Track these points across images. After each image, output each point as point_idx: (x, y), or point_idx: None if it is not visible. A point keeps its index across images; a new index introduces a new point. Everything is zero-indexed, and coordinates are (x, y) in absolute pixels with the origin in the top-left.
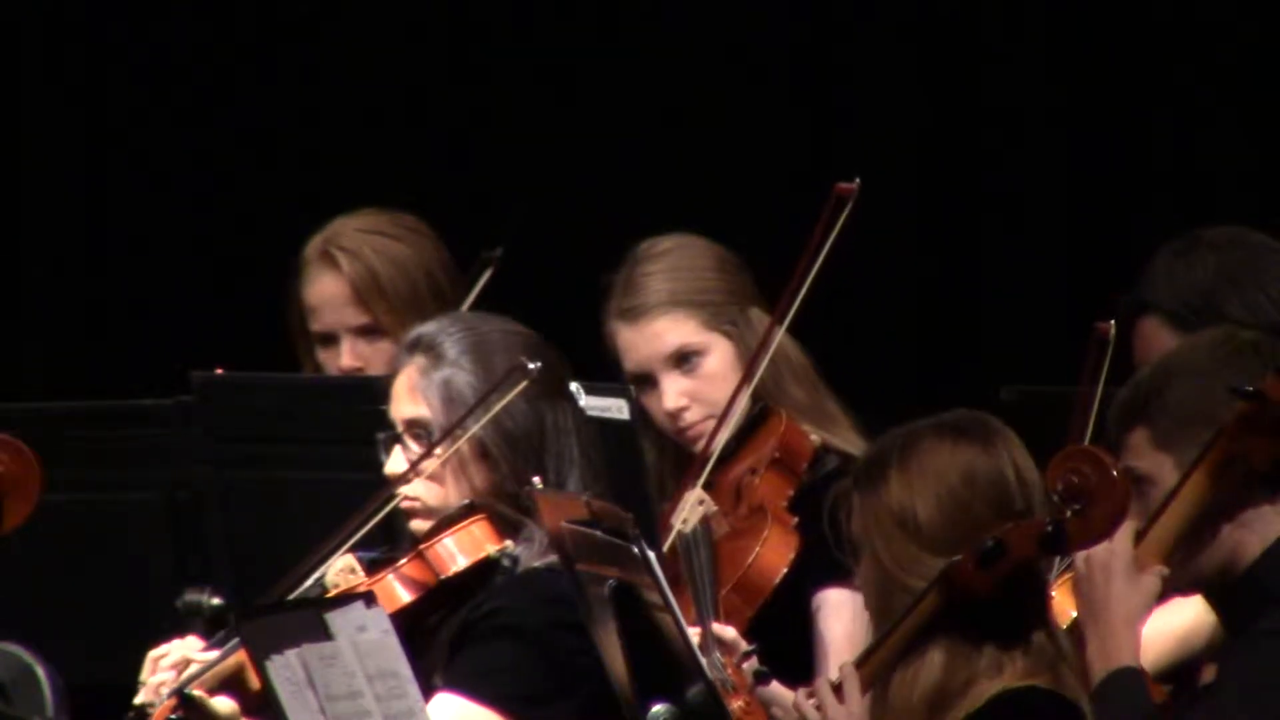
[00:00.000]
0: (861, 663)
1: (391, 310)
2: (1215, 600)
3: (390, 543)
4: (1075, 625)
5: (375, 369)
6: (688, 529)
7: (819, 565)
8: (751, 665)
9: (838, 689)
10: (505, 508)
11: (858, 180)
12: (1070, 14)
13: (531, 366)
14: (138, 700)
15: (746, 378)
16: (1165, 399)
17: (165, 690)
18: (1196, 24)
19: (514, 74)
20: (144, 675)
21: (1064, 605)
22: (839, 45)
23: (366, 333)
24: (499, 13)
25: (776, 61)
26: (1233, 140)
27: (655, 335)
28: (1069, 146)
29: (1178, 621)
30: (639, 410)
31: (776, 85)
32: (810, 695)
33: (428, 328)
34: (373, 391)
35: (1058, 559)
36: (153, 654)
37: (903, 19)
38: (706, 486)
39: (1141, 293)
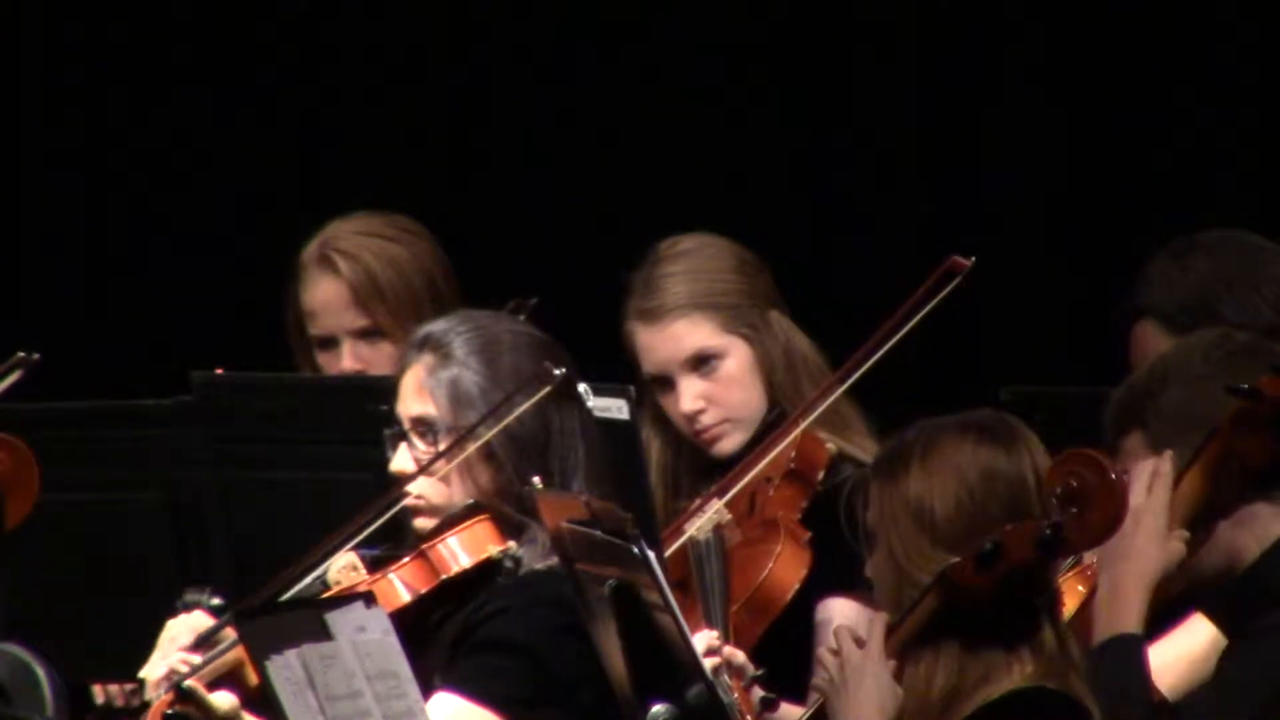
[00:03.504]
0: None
1: (391, 312)
2: (1210, 606)
3: (392, 540)
4: (1076, 617)
5: (376, 371)
6: (701, 536)
7: (828, 574)
8: (758, 691)
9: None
10: (509, 509)
11: (974, 259)
12: (1071, 13)
13: (557, 372)
14: (145, 674)
15: (795, 421)
16: (1160, 402)
17: (163, 686)
18: (1198, 23)
19: (516, 74)
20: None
21: (1065, 598)
22: (840, 43)
23: (367, 335)
24: (501, 9)
25: (776, 60)
26: (1232, 140)
27: (673, 337)
28: (1069, 146)
29: (1189, 646)
30: (655, 409)
31: (776, 83)
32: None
33: (437, 325)
34: (373, 391)
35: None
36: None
37: (905, 13)
38: (720, 492)
39: (1137, 296)
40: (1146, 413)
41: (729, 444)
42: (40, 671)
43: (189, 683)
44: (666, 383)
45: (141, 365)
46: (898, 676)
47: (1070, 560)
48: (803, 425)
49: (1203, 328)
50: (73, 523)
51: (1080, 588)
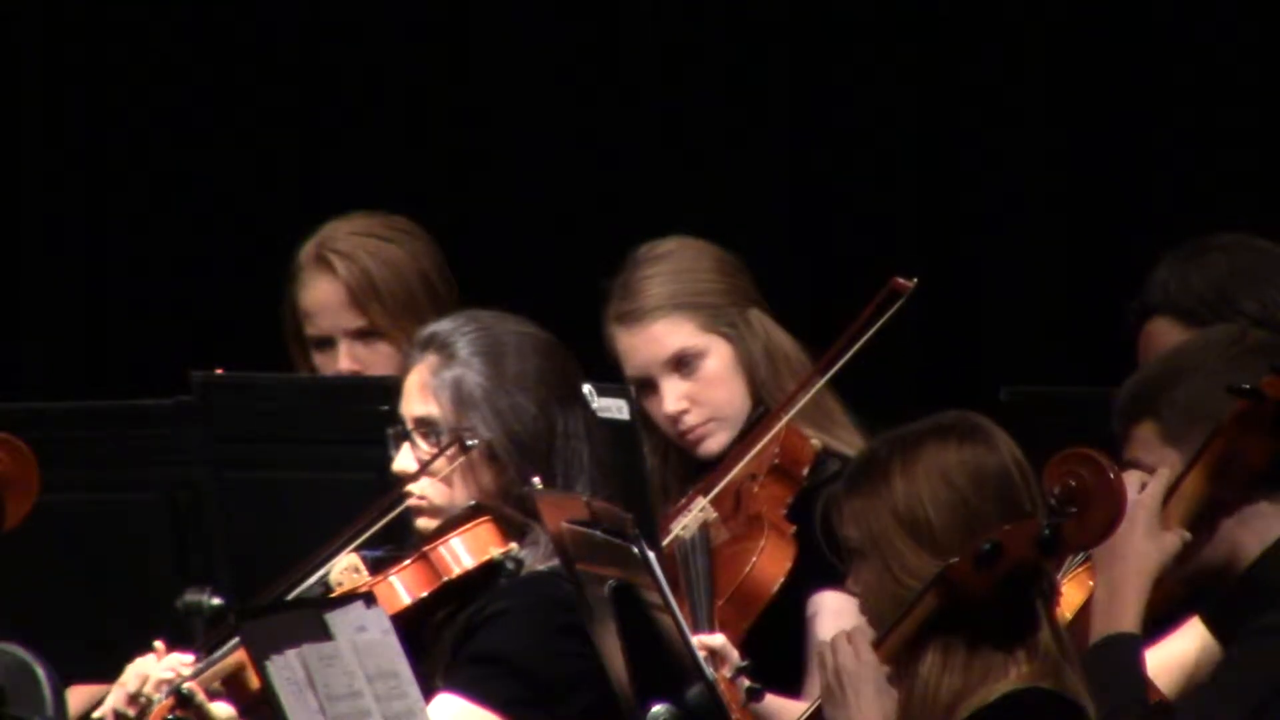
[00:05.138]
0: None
1: (387, 313)
2: (1208, 605)
3: (394, 541)
4: (1077, 619)
5: (373, 372)
6: (687, 534)
7: (817, 568)
8: (744, 682)
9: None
10: (512, 510)
11: (916, 280)
12: (1071, 13)
13: (470, 444)
14: (106, 707)
15: (774, 416)
16: (1175, 395)
17: (164, 690)
18: (1198, 24)
19: (513, 75)
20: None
21: (1070, 598)
22: (836, 42)
23: (363, 336)
24: (498, 13)
25: (773, 59)
26: (1233, 140)
27: (654, 339)
28: (1069, 146)
29: (1180, 649)
30: (640, 413)
31: (772, 82)
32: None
33: (442, 325)
34: (372, 391)
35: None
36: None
37: (901, 12)
38: (705, 490)
39: (1149, 294)
40: (1160, 404)
41: (714, 444)
42: (40, 671)
43: (188, 686)
44: (649, 385)
45: (141, 365)
46: (893, 679)
47: (1080, 555)
48: (782, 422)
49: (1221, 321)
50: (73, 523)
51: (1090, 582)
